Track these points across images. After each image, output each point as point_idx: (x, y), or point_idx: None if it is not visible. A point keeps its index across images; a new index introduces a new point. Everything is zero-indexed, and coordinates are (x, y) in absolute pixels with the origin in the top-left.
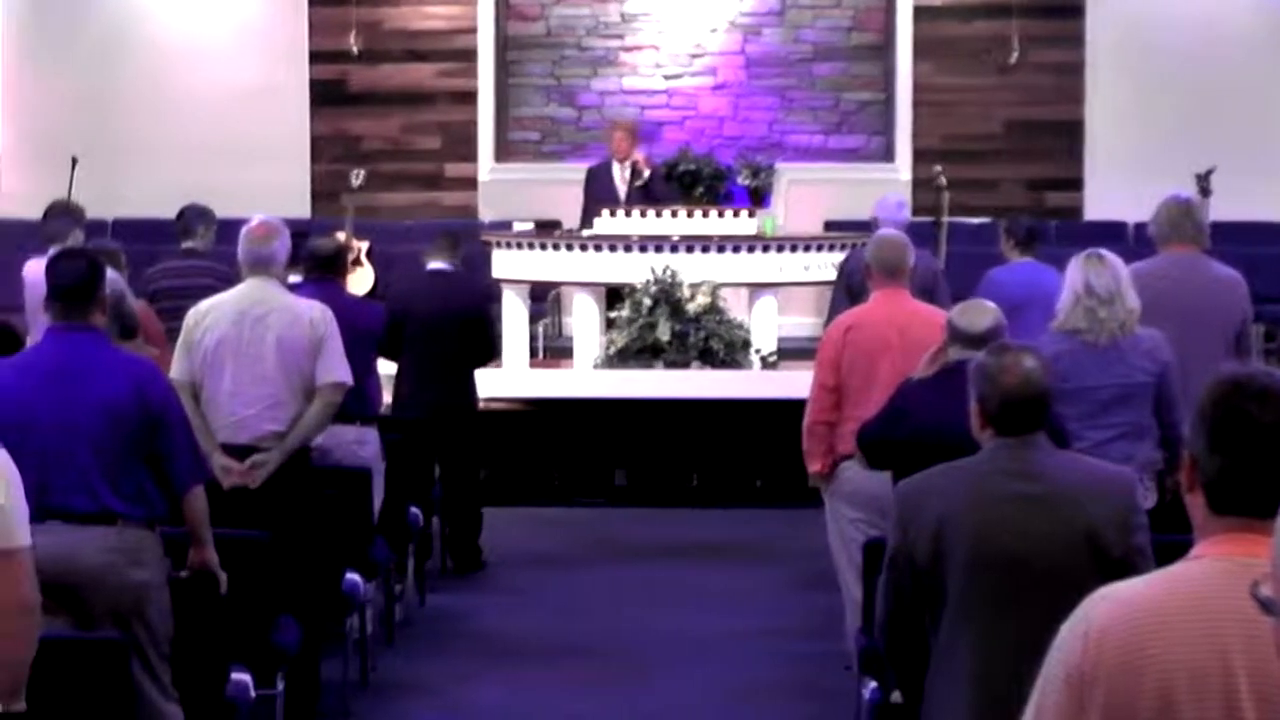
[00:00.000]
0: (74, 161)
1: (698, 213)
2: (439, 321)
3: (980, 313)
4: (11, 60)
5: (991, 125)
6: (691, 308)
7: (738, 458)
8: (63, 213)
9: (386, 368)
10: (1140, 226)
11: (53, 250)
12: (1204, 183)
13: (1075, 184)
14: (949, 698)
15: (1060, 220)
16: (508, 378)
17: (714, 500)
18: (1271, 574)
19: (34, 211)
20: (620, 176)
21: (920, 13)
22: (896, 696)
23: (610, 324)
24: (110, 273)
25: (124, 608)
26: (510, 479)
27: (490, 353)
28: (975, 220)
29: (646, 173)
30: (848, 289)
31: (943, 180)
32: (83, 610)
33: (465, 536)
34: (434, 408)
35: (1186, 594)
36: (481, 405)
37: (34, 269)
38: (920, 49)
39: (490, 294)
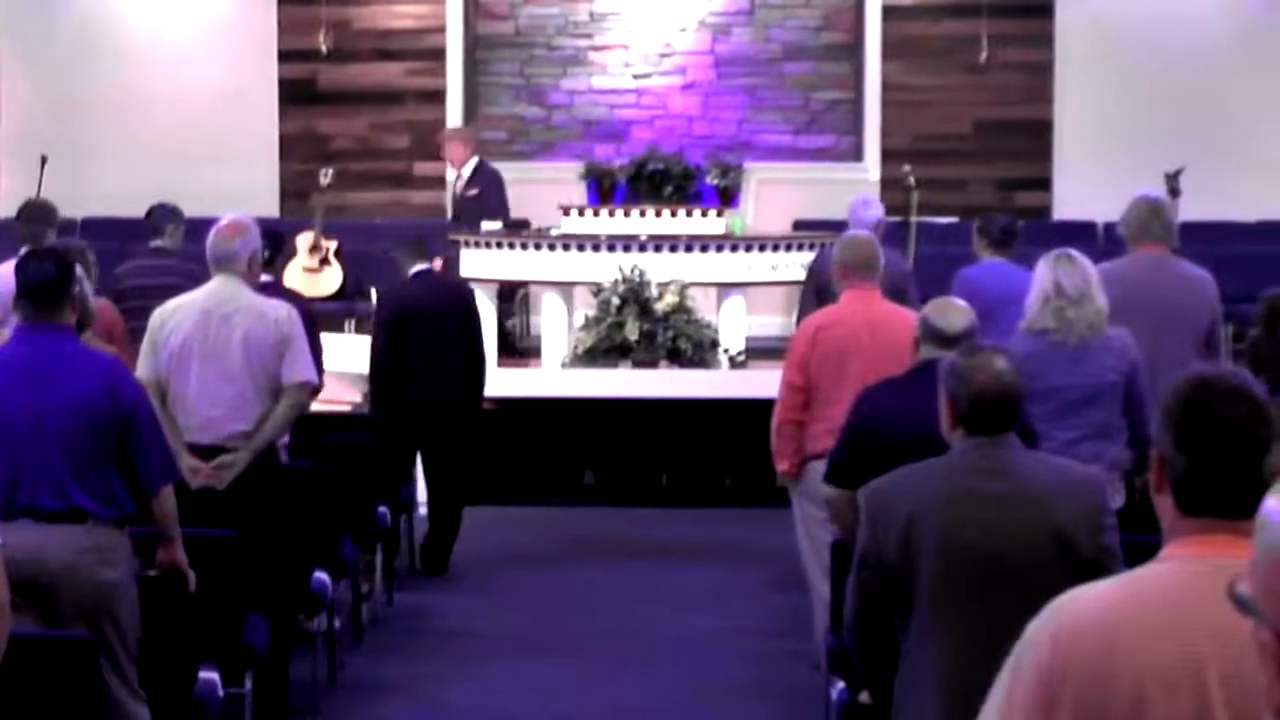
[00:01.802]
0: (43, 161)
1: (666, 212)
2: (434, 322)
3: (956, 312)
4: None
5: (961, 125)
6: (660, 307)
7: (707, 457)
8: (40, 215)
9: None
10: (1110, 226)
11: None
12: (1173, 182)
13: (1044, 184)
14: (918, 697)
15: (1029, 220)
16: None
17: (683, 500)
18: (1250, 573)
19: (2, 210)
20: (456, 185)
21: (889, 12)
22: (865, 696)
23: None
24: (80, 272)
25: (93, 606)
26: (479, 478)
27: (476, 349)
28: (944, 220)
29: (472, 191)
30: (817, 289)
31: (911, 180)
32: (51, 609)
33: (443, 539)
34: (427, 407)
35: (1157, 596)
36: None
37: (3, 272)
38: (889, 49)
39: (471, 290)
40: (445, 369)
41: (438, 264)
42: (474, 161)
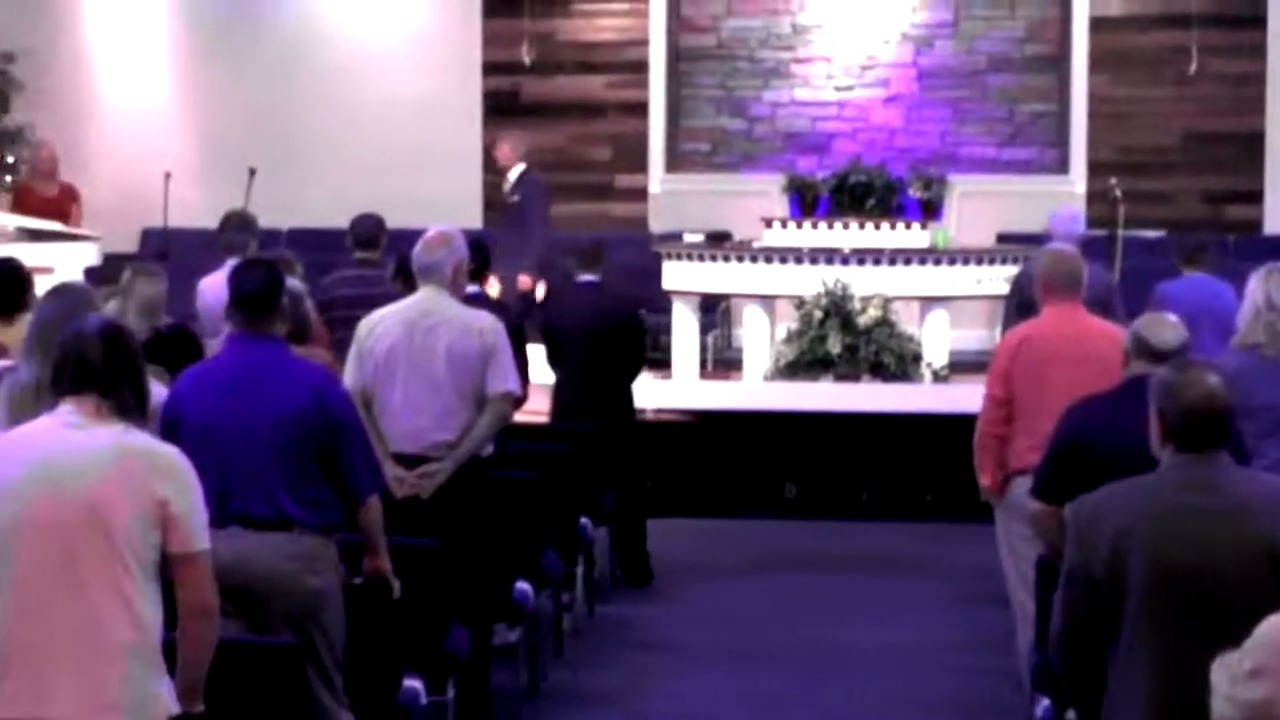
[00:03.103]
0: (251, 172)
1: (869, 225)
2: (592, 333)
3: (1168, 328)
4: (189, 72)
5: (1169, 137)
6: (862, 321)
7: (908, 471)
8: (241, 225)
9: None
10: None
11: (231, 261)
12: None
13: (1255, 197)
14: (1127, 716)
15: (1239, 234)
16: (677, 389)
17: (884, 514)
18: None
19: (208, 221)
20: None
21: (1097, 24)
22: (1071, 715)
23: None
24: (296, 283)
25: (300, 614)
26: (680, 491)
27: (640, 363)
28: (1152, 234)
29: (514, 198)
30: (1020, 303)
31: (1118, 193)
32: (259, 615)
33: (633, 548)
34: (588, 418)
35: None
36: (651, 416)
37: (210, 283)
38: (1096, 60)
39: (639, 303)
40: (598, 382)
41: (492, 286)
42: (520, 168)
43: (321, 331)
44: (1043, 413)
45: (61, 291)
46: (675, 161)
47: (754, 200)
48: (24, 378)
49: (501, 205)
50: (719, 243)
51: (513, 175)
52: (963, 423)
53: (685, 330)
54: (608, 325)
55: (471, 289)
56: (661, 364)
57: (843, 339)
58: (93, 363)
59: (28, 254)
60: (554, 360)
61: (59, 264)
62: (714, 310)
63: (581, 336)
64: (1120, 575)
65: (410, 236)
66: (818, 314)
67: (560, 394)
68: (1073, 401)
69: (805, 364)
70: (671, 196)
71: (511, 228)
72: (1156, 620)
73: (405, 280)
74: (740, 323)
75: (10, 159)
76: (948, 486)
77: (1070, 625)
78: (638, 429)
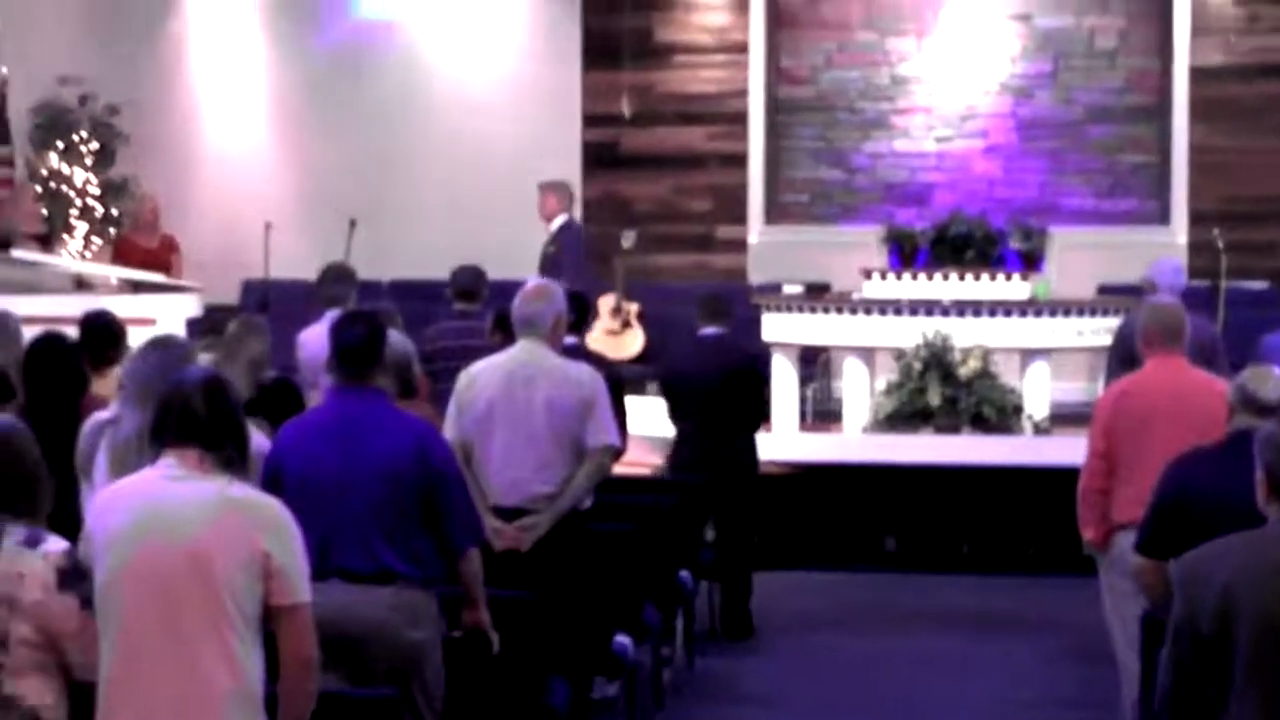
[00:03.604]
0: (352, 223)
1: (969, 276)
2: (713, 385)
3: (1273, 381)
4: (290, 124)
5: (1272, 187)
6: (963, 372)
7: (1009, 524)
8: (341, 276)
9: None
10: None
11: (331, 313)
12: None
13: None
14: None
15: None
16: (777, 442)
17: (985, 567)
18: None
19: (308, 273)
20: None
21: (1198, 74)
22: None
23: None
24: (397, 335)
25: (400, 666)
26: (780, 543)
27: (762, 415)
28: (1255, 285)
29: (553, 248)
30: (1123, 355)
31: (1220, 244)
32: (360, 667)
33: (736, 601)
34: (710, 471)
35: None
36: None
37: (311, 335)
38: (1197, 110)
39: (761, 357)
40: (720, 432)
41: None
42: (562, 219)
43: (424, 387)
44: (1145, 466)
45: (158, 344)
46: (774, 213)
47: (853, 251)
48: (125, 429)
49: (543, 257)
50: (818, 294)
51: (554, 226)
52: (1064, 475)
53: (785, 382)
54: (729, 377)
55: (570, 341)
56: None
57: (943, 391)
58: (195, 415)
59: (129, 305)
60: (674, 413)
61: (160, 315)
62: (813, 362)
63: (703, 389)
64: (1228, 632)
65: (510, 288)
66: (917, 366)
67: (681, 447)
68: (1175, 455)
69: (905, 416)
70: (771, 248)
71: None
72: (1265, 677)
73: (504, 332)
74: (840, 375)
75: (114, 211)
76: (1049, 540)
77: (1177, 683)
78: (757, 481)
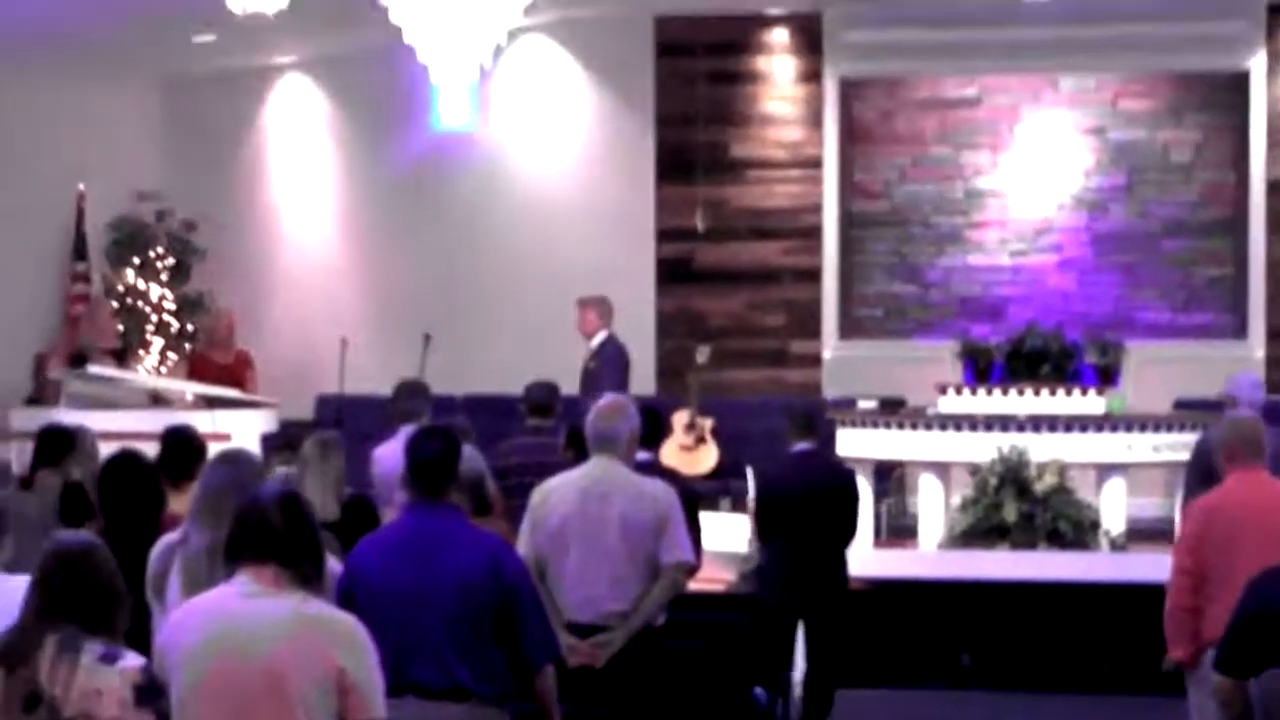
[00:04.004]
0: (426, 339)
1: (1044, 391)
2: (808, 502)
3: None
4: (366, 240)
5: None
6: (1039, 488)
7: (1085, 642)
8: (416, 391)
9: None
10: None
11: (406, 429)
12: None
13: None
14: None
15: None
16: (851, 558)
17: (1062, 685)
18: None
19: (382, 387)
20: (587, 356)
21: (1274, 187)
22: None
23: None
24: (471, 450)
25: None
26: (854, 659)
27: (854, 530)
28: None
29: (593, 364)
30: (1202, 470)
31: None
32: None
33: (818, 717)
34: (802, 588)
35: None
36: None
37: (386, 451)
38: (1274, 223)
39: (852, 471)
40: (815, 549)
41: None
42: (603, 335)
43: (499, 504)
44: (1234, 582)
45: (229, 459)
46: (849, 327)
47: (928, 366)
48: (196, 546)
49: (584, 373)
50: (893, 409)
51: (595, 342)
52: (1141, 592)
53: (860, 498)
54: (826, 493)
55: (643, 456)
56: None
57: (1019, 506)
58: (272, 531)
59: (204, 421)
60: (765, 529)
61: (235, 430)
62: (888, 477)
63: (798, 505)
64: None
65: (582, 403)
66: (993, 481)
67: (774, 565)
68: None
69: (980, 532)
70: (845, 363)
71: (586, 395)
72: None
73: (576, 449)
74: (915, 490)
75: (189, 326)
76: (1126, 657)
77: None
78: (849, 598)
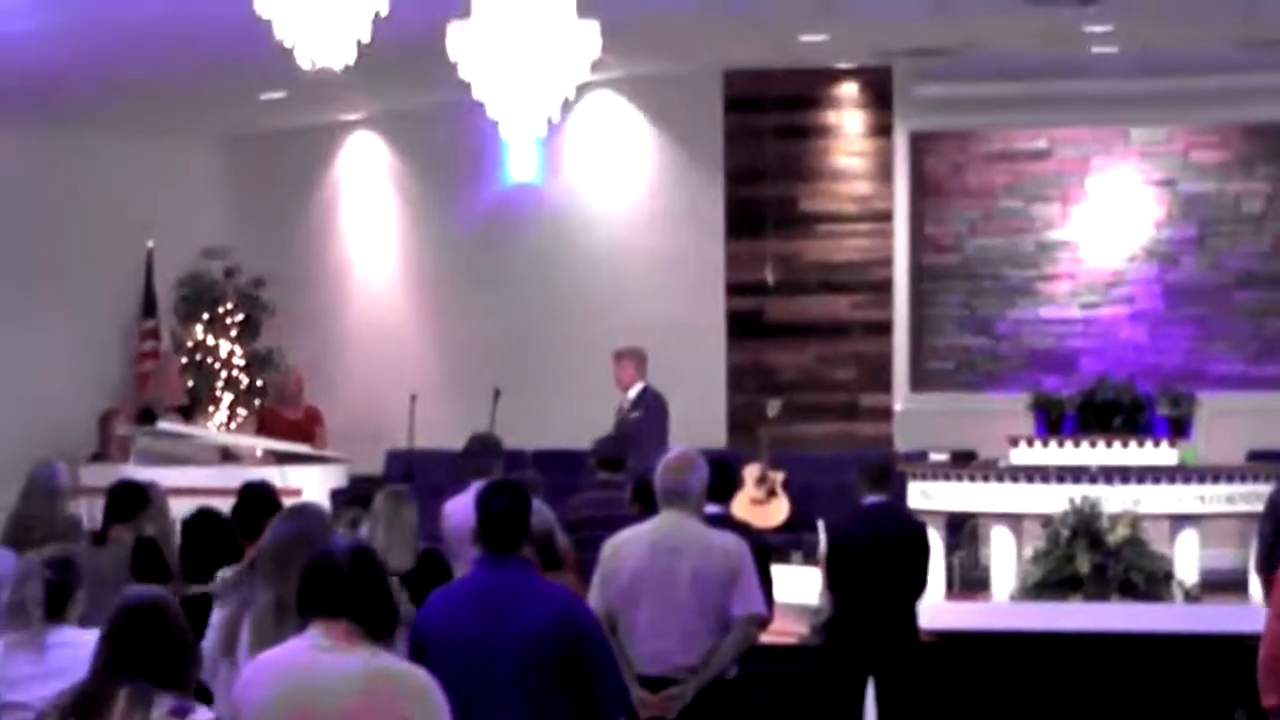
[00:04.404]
0: (496, 393)
1: (1117, 443)
2: (879, 554)
3: None
4: (436, 294)
5: None
6: (1111, 539)
7: (1159, 694)
8: (486, 447)
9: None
10: None
11: (477, 484)
12: None
13: None
14: None
15: None
16: (923, 610)
17: None
18: None
19: (453, 442)
20: (622, 406)
21: None
22: None
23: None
24: (540, 505)
25: None
26: (927, 713)
27: (925, 583)
28: None
29: (635, 414)
30: (1277, 521)
31: None
32: None
33: None
34: (872, 641)
35: None
36: None
37: (457, 506)
38: None
39: (924, 525)
40: (886, 601)
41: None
42: (640, 386)
43: (570, 557)
44: None
45: (297, 513)
46: (920, 380)
47: (999, 419)
48: (263, 600)
49: (620, 424)
50: (964, 462)
51: (632, 394)
52: (1216, 644)
53: (932, 551)
54: (898, 545)
55: (714, 509)
56: None
57: (1091, 558)
58: (343, 586)
59: (275, 476)
60: (836, 582)
61: (306, 486)
62: (960, 530)
63: (868, 558)
64: None
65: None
66: (1065, 533)
67: (844, 617)
68: None
69: (1053, 584)
70: (916, 416)
71: (633, 445)
72: None
73: (643, 502)
74: (987, 542)
75: (259, 382)
76: (1202, 710)
77: None
78: (919, 651)
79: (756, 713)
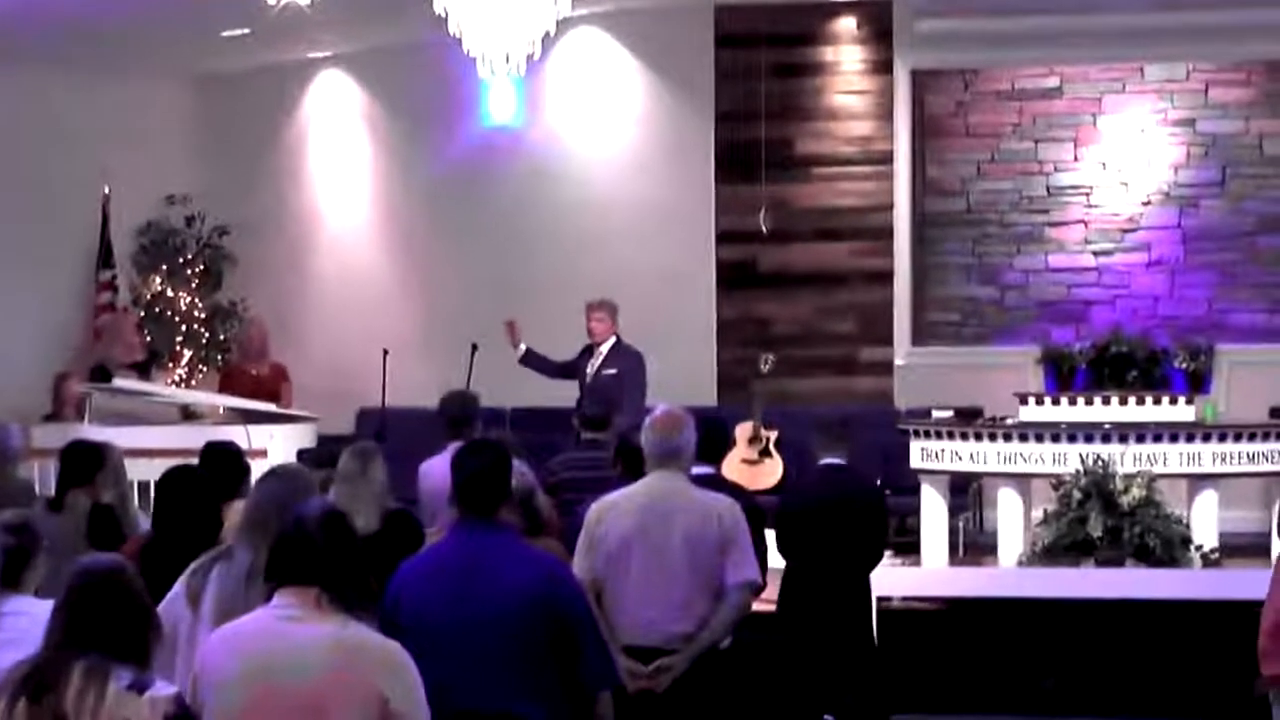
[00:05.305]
0: (474, 349)
1: (1131, 399)
2: (829, 518)
3: None
4: (408, 246)
5: None
6: (1125, 501)
7: (1176, 663)
8: (463, 404)
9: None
10: None
11: (453, 444)
12: None
13: None
14: None
15: None
16: (926, 576)
17: (1150, 709)
18: None
19: (427, 400)
20: (592, 362)
21: None
22: None
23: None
24: (520, 466)
25: None
26: (930, 684)
27: (880, 554)
28: None
29: (610, 371)
30: None
31: None
32: None
33: None
34: (824, 609)
35: None
36: (898, 605)
37: (432, 467)
38: None
39: (883, 486)
40: (833, 572)
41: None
42: (612, 340)
43: (554, 522)
44: None
45: (279, 474)
46: (922, 333)
47: (1007, 374)
48: (239, 564)
49: (592, 378)
50: (969, 419)
51: (605, 348)
52: (1236, 610)
53: (934, 513)
54: (847, 509)
55: (705, 470)
56: (909, 549)
57: (1104, 521)
58: (314, 553)
59: (239, 436)
60: (786, 547)
61: (272, 446)
62: (965, 491)
63: (818, 521)
64: None
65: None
66: (1077, 494)
67: (790, 583)
68: None
69: (1064, 548)
70: (919, 370)
71: (602, 400)
72: None
73: (627, 464)
74: (993, 504)
75: (221, 336)
76: (1218, 680)
77: None
78: (872, 622)
79: (750, 684)
